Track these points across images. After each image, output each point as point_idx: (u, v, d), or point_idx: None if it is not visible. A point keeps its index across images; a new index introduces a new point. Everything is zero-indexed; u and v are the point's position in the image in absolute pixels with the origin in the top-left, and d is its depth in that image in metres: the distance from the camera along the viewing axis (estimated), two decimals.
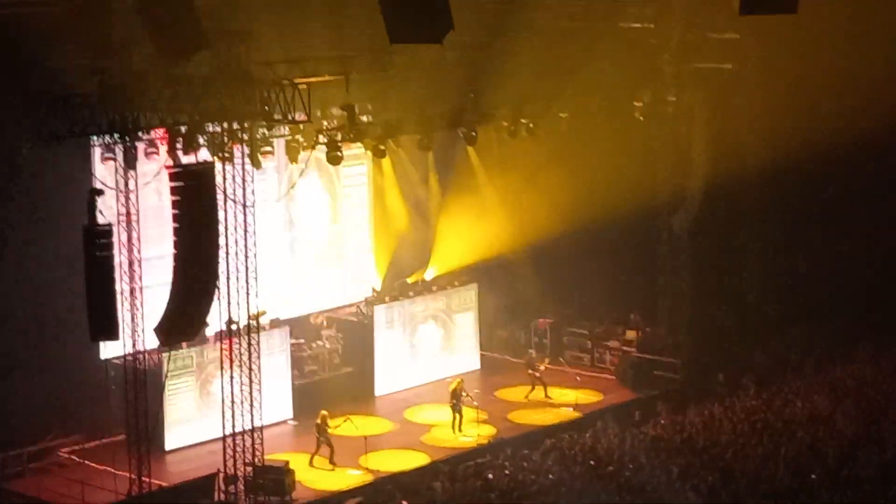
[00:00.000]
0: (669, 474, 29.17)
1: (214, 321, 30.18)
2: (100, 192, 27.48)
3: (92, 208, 27.02)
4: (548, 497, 28.21)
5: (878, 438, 31.16)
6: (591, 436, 32.57)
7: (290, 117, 29.08)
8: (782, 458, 30.10)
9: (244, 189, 29.61)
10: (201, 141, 28.84)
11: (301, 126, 30.44)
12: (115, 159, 29.07)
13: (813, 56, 36.30)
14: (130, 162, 29.09)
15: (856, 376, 36.04)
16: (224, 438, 29.99)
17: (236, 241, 29.60)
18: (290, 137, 31.58)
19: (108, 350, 31.95)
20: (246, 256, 29.75)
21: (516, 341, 39.55)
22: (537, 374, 36.19)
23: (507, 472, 30.15)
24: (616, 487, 28.70)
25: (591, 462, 30.45)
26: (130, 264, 29.31)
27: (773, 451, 30.65)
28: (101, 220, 27.20)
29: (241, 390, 30.06)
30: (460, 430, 33.68)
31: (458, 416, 33.76)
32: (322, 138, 30.86)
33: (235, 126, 29.13)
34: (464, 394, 33.88)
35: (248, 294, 29.88)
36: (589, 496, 28.24)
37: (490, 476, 30.00)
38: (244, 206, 29.58)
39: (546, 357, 37.36)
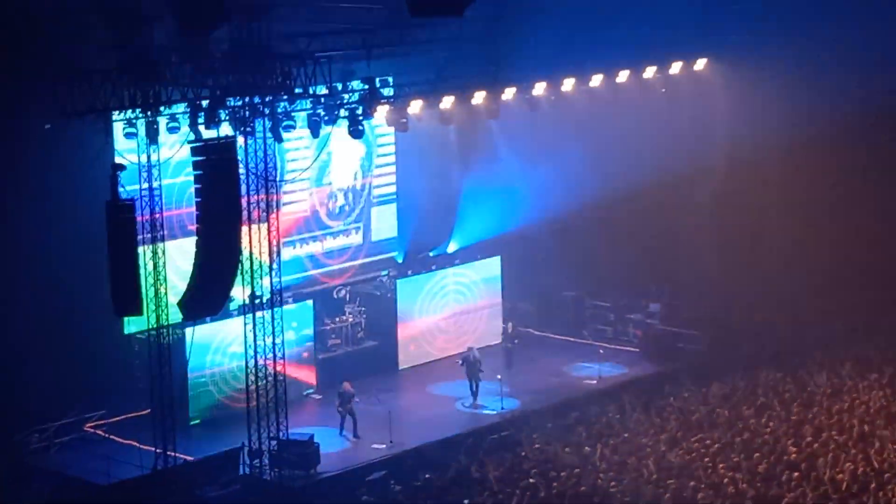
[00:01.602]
0: (707, 449, 29.23)
1: (238, 295, 30.23)
2: (122, 168, 27.52)
3: (114, 183, 27.06)
4: (585, 469, 28.26)
5: None
6: (616, 409, 32.58)
7: (311, 91, 29.07)
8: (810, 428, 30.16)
9: (266, 163, 29.62)
10: (223, 115, 28.85)
11: (322, 100, 30.42)
12: (136, 134, 29.13)
13: (835, 29, 36.23)
14: (152, 137, 29.16)
15: (880, 348, 35.94)
16: (248, 412, 30.08)
17: (259, 216, 29.61)
18: (311, 111, 31.55)
19: (132, 325, 32.05)
20: (269, 230, 29.77)
21: (539, 314, 39.52)
22: (512, 345, 36.27)
23: (537, 445, 30.13)
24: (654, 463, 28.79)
25: (626, 435, 30.47)
26: (154, 239, 29.38)
27: (801, 423, 30.67)
28: (123, 195, 27.25)
29: (265, 364, 30.13)
30: (475, 400, 33.89)
31: (474, 384, 34.05)
32: (343, 112, 30.84)
33: (257, 100, 29.12)
34: (479, 364, 34.07)
35: (270, 268, 29.92)
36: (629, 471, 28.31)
37: (522, 452, 30.03)
38: (266, 180, 29.59)
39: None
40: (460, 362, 34.70)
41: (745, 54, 36.80)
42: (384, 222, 37.87)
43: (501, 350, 36.66)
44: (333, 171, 36.41)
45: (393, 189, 37.97)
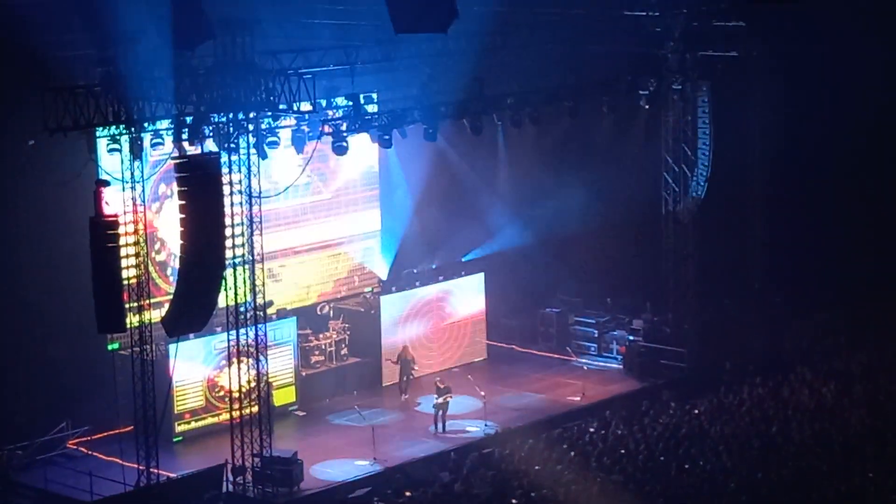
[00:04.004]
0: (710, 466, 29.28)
1: (221, 312, 30.18)
2: (106, 184, 27.47)
3: (98, 199, 27.00)
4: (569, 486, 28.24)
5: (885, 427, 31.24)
6: (599, 425, 32.56)
7: (295, 107, 29.07)
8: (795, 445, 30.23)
9: (250, 179, 29.60)
10: (207, 132, 28.83)
11: (306, 116, 30.43)
12: (120, 150, 29.08)
13: (818, 45, 36.38)
14: (136, 153, 29.11)
15: (862, 364, 35.98)
16: (232, 429, 30.01)
17: (243, 232, 29.58)
18: (295, 127, 31.56)
19: (116, 341, 31.97)
20: (252, 247, 29.73)
21: (524, 330, 39.51)
22: (442, 401, 33.98)
23: (520, 462, 30.09)
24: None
25: (622, 451, 30.44)
26: (137, 255, 29.32)
27: (786, 440, 30.70)
28: (107, 211, 27.19)
29: (249, 381, 30.07)
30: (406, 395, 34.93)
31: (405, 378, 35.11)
32: (328, 128, 30.85)
33: (241, 116, 29.11)
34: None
35: (254, 285, 29.87)
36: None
37: (505, 469, 30.00)
38: (250, 196, 29.57)
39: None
40: (395, 360, 35.64)
41: (729, 71, 36.89)
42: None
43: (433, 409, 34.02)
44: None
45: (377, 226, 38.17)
